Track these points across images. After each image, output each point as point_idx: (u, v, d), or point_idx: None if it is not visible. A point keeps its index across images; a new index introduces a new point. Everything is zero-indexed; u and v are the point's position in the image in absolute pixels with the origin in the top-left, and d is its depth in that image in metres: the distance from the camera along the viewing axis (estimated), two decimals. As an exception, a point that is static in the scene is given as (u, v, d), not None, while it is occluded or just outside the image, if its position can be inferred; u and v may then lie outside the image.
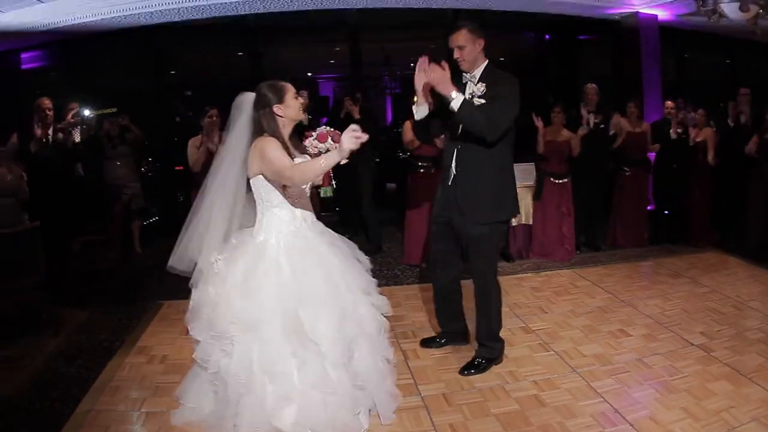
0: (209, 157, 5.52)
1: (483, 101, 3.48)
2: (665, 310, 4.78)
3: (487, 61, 3.61)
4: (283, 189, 3.04)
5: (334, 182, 3.62)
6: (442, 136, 3.95)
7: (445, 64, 3.39)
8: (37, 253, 4.85)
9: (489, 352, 3.86)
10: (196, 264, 3.04)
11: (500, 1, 8.03)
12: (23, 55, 8.58)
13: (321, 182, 3.44)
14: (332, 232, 3.28)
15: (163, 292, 5.47)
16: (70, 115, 6.15)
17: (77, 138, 6.28)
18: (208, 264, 3.01)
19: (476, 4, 8.13)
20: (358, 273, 3.15)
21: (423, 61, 3.39)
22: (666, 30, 8.33)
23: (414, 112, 3.70)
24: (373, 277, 3.28)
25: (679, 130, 6.62)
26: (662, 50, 8.30)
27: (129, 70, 9.12)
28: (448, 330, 4.16)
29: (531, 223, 6.60)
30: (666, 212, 7.07)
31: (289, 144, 3.05)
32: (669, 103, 6.80)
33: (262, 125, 2.99)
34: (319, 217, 3.32)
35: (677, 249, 6.66)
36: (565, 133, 6.40)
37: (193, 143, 5.80)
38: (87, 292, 5.49)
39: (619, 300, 5.06)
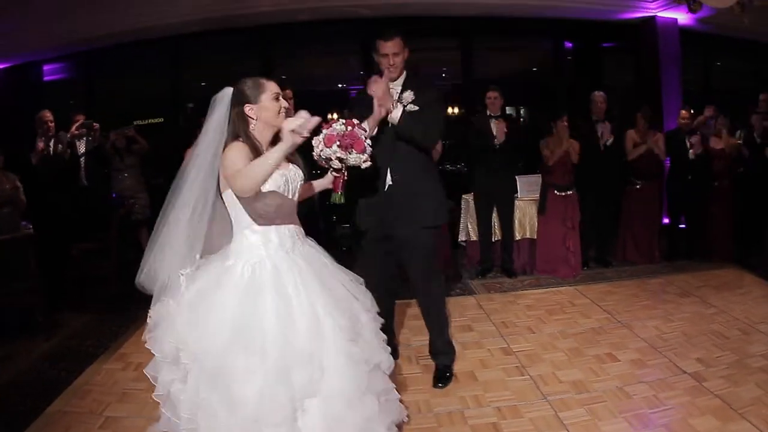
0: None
1: (416, 107, 3.36)
2: (664, 332, 4.31)
3: (405, 71, 3.52)
4: (253, 206, 2.51)
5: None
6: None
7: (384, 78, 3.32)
8: (29, 260, 4.92)
9: (451, 358, 3.81)
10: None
11: (515, 8, 7.67)
12: (45, 67, 8.68)
13: (332, 187, 2.90)
14: (325, 257, 2.72)
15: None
16: (74, 127, 6.18)
17: (82, 149, 6.29)
18: (174, 278, 2.53)
19: (491, 11, 7.81)
20: (343, 313, 2.52)
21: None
22: (689, 35, 7.76)
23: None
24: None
25: (699, 152, 6.11)
26: (685, 56, 7.74)
27: (149, 81, 9.09)
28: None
29: (535, 237, 6.21)
30: (681, 226, 6.54)
31: (264, 150, 2.52)
32: (683, 112, 6.27)
33: (234, 127, 2.54)
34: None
35: (693, 265, 6.10)
36: (566, 143, 6.00)
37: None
38: (85, 298, 5.62)
39: (616, 321, 4.61)
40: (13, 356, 4.44)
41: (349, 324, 2.50)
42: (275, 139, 2.54)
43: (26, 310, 4.96)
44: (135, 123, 6.80)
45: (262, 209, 2.51)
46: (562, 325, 4.57)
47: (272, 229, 2.55)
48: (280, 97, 2.58)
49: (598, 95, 6.08)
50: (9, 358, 4.40)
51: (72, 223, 5.96)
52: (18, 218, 5.46)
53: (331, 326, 2.43)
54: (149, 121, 8.51)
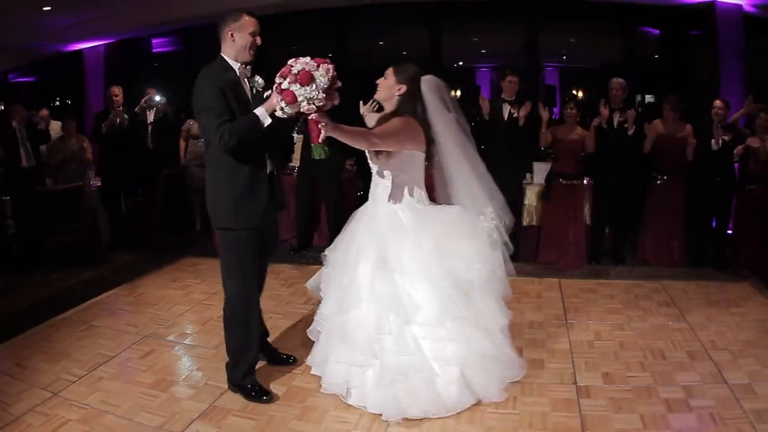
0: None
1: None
2: (601, 339, 3.60)
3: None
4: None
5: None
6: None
7: None
8: (87, 206, 5.64)
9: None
10: None
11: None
12: (154, 41, 8.98)
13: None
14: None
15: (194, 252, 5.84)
16: (143, 100, 6.35)
17: (151, 118, 6.46)
18: None
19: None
20: None
21: None
22: (755, 22, 6.15)
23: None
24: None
25: (725, 138, 4.89)
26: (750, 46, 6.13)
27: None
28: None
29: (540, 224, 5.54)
30: (729, 232, 5.24)
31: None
32: (717, 102, 4.95)
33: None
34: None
35: (713, 275, 4.90)
36: (579, 131, 5.20)
37: None
38: (137, 243, 6.12)
39: (555, 320, 3.94)
40: (62, 279, 5.06)
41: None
42: None
43: (83, 246, 5.55)
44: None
45: None
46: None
47: None
48: None
49: (616, 82, 5.12)
50: (60, 280, 5.05)
51: (131, 180, 6.37)
52: (83, 173, 6.01)
53: None
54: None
